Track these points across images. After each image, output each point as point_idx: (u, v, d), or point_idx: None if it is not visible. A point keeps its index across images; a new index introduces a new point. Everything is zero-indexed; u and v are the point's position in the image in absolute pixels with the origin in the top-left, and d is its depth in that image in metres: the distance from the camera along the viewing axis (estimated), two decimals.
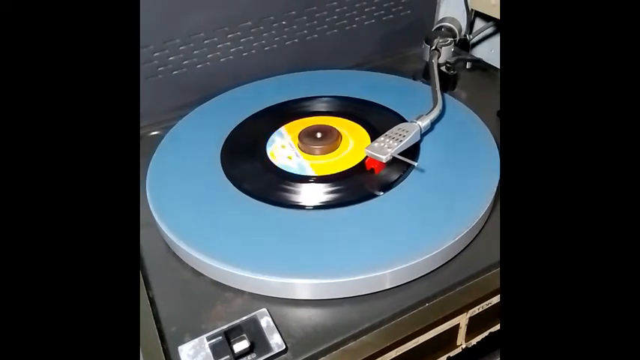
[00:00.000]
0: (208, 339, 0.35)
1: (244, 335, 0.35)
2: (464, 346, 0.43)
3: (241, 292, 0.40)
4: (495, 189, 0.45)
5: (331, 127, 0.53)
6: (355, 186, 0.47)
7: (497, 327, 0.44)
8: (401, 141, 0.48)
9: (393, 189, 0.46)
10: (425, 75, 0.65)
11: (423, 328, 0.38)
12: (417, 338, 0.38)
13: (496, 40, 0.85)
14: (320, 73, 0.67)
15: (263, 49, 0.65)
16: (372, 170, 0.48)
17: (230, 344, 0.35)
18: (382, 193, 0.46)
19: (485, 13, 0.74)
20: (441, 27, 0.68)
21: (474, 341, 0.44)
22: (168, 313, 0.39)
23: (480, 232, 0.44)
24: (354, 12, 0.69)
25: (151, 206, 0.46)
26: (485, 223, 0.45)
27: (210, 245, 0.41)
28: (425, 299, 0.39)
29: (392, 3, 0.71)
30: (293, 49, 0.67)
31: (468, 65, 0.70)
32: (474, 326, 0.42)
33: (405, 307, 0.39)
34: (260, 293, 0.40)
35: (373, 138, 0.51)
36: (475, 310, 0.40)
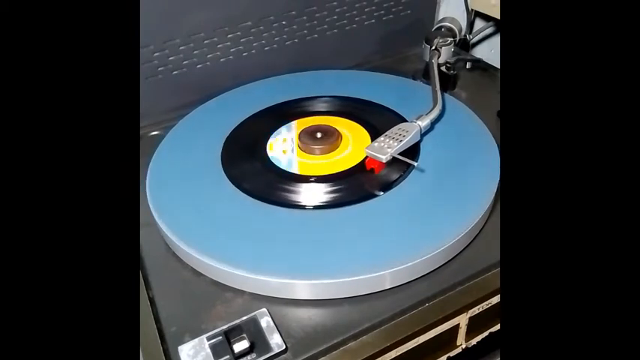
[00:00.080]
0: (208, 339, 0.35)
1: (244, 335, 0.35)
2: (464, 346, 0.43)
3: (241, 292, 0.40)
4: (495, 189, 0.45)
5: (331, 127, 0.53)
6: (355, 186, 0.47)
7: (498, 327, 0.44)
8: (401, 141, 0.48)
9: (393, 189, 0.46)
10: (425, 75, 0.65)
11: (423, 328, 0.38)
12: (417, 338, 0.38)
13: (496, 40, 0.85)
14: (320, 73, 0.67)
15: (263, 49, 0.65)
16: (372, 170, 0.48)
17: (230, 344, 0.35)
18: (382, 193, 0.46)
19: (486, 13, 0.74)
20: (441, 27, 0.68)
21: (474, 341, 0.44)
22: (168, 313, 0.39)
23: (480, 232, 0.44)
24: (354, 12, 0.69)
25: (151, 206, 0.46)
26: (486, 223, 0.45)
27: (210, 245, 0.41)
28: (425, 299, 0.39)
29: (392, 3, 0.71)
30: (293, 49, 0.67)
31: (468, 65, 0.70)
32: (474, 326, 0.42)
33: (405, 307, 0.39)
34: (260, 293, 0.40)
35: (373, 138, 0.51)
36: (475, 310, 0.40)
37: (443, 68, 0.64)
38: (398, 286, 0.40)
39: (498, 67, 0.70)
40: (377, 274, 0.38)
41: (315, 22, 0.67)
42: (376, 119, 0.55)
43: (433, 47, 0.64)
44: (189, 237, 0.42)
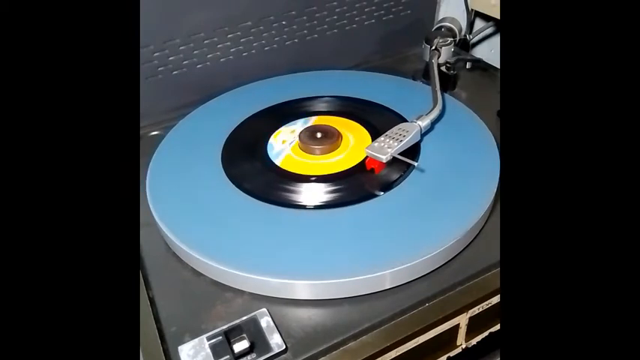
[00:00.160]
0: (208, 339, 0.35)
1: (244, 335, 0.35)
2: (464, 346, 0.43)
3: (241, 292, 0.40)
4: (495, 189, 0.45)
5: (331, 127, 0.53)
6: (355, 186, 0.47)
7: (498, 327, 0.44)
8: (401, 141, 0.48)
9: (393, 189, 0.46)
10: (425, 75, 0.65)
11: (423, 328, 0.38)
12: (417, 338, 0.38)
13: (496, 40, 0.85)
14: (320, 73, 0.67)
15: (263, 49, 0.65)
16: (372, 170, 0.48)
17: (230, 344, 0.35)
18: (382, 193, 0.46)
19: (486, 13, 0.74)
20: (441, 27, 0.68)
21: (474, 341, 0.44)
22: (168, 313, 0.39)
23: (480, 232, 0.44)
24: (354, 12, 0.69)
25: (151, 206, 0.46)
26: (486, 223, 0.45)
27: (210, 245, 0.41)
28: (425, 299, 0.39)
29: (392, 3, 0.71)
30: (293, 49, 0.67)
31: (468, 65, 0.70)
32: (474, 326, 0.42)
33: (405, 307, 0.39)
34: (260, 293, 0.40)
35: (373, 138, 0.51)
36: (475, 310, 0.40)
37: (443, 68, 0.64)
38: (398, 286, 0.40)
39: (498, 67, 0.70)
40: (377, 274, 0.38)
41: (315, 22, 0.67)
42: (376, 119, 0.55)
43: (433, 47, 0.64)
44: (189, 237, 0.42)
